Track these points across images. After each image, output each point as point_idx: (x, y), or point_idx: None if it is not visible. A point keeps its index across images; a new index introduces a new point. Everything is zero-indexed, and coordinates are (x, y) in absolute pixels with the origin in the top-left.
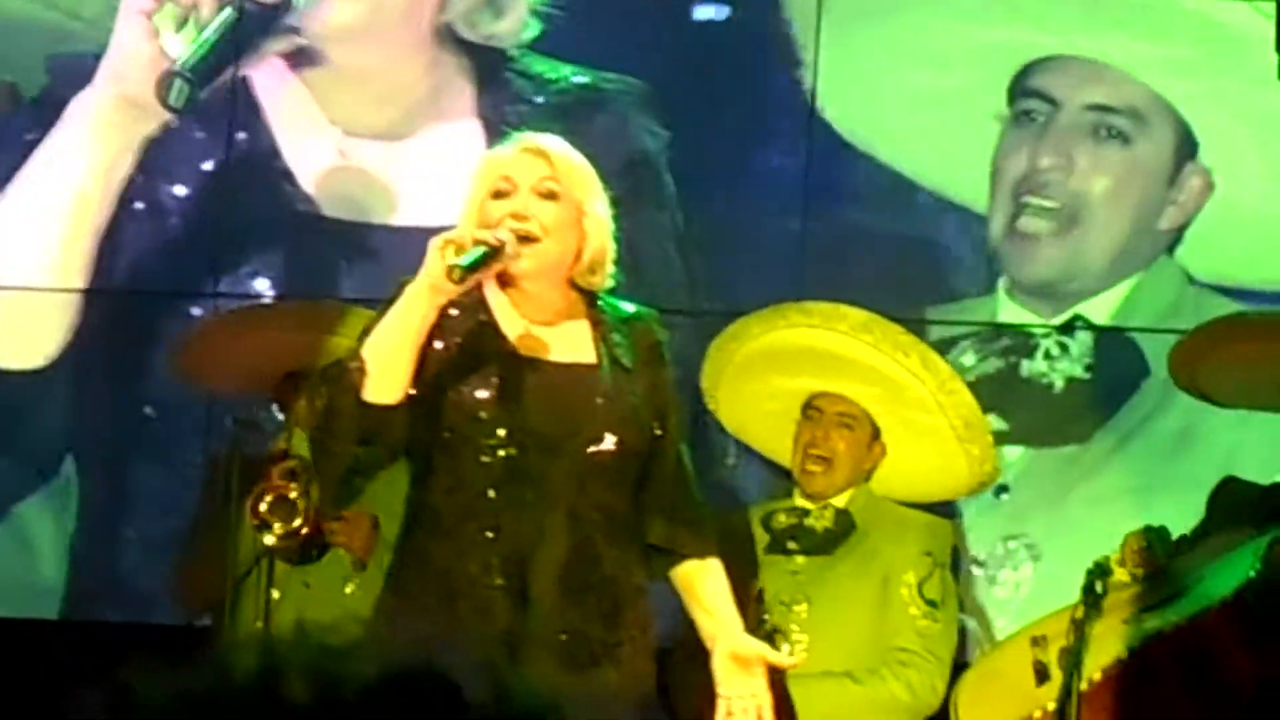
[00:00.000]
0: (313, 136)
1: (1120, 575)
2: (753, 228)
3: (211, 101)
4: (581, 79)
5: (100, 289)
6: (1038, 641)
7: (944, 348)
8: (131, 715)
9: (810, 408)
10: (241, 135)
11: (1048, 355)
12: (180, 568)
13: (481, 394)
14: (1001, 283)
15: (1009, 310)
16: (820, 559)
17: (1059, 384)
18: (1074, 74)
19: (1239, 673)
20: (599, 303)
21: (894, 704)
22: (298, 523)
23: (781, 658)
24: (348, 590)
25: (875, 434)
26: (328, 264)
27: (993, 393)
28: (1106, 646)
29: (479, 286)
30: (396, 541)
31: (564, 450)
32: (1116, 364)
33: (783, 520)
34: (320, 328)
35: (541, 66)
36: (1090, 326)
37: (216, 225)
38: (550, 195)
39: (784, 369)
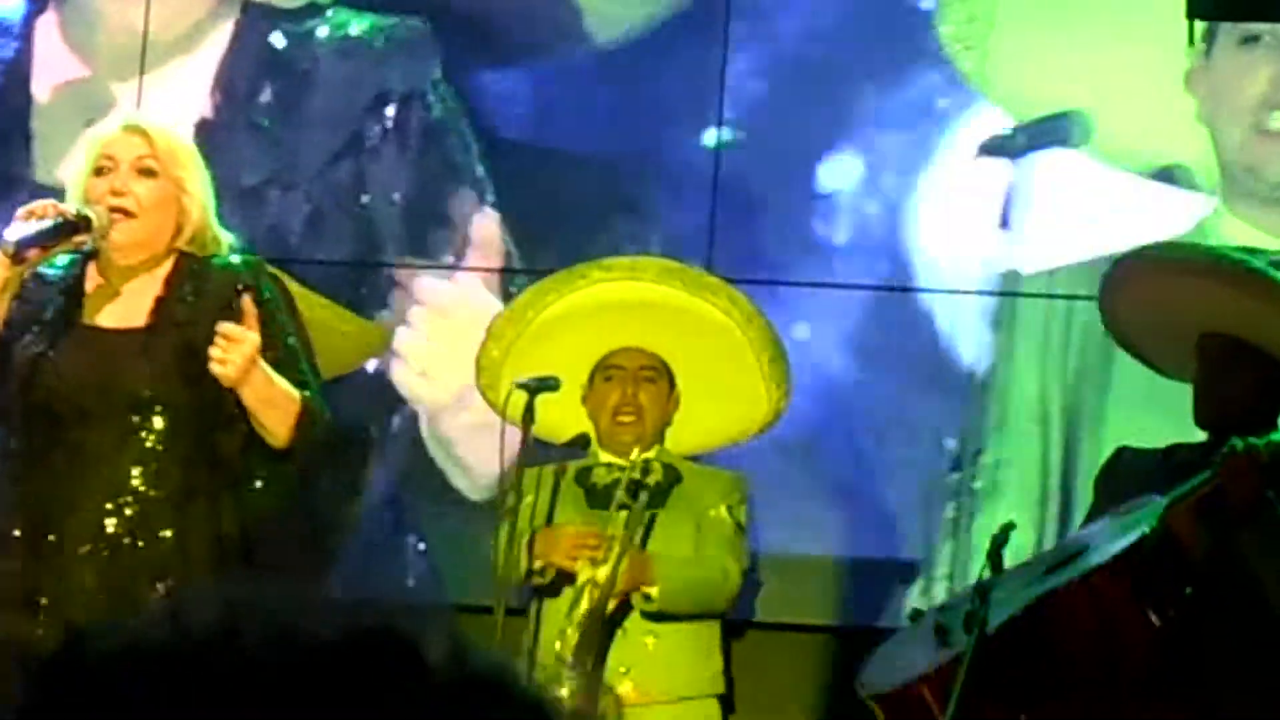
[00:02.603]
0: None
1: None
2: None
3: None
4: (362, 27)
5: None
6: (944, 608)
7: None
8: (82, 668)
9: (610, 368)
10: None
11: None
12: None
13: (34, 361)
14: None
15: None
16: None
17: None
18: None
19: (1131, 630)
20: (200, 262)
21: (723, 576)
22: None
23: None
24: None
25: (672, 386)
26: None
27: None
28: (1006, 605)
29: (82, 255)
30: None
31: (98, 417)
32: None
33: (604, 476)
34: None
35: (323, 24)
36: None
37: None
38: (148, 173)
39: (584, 330)
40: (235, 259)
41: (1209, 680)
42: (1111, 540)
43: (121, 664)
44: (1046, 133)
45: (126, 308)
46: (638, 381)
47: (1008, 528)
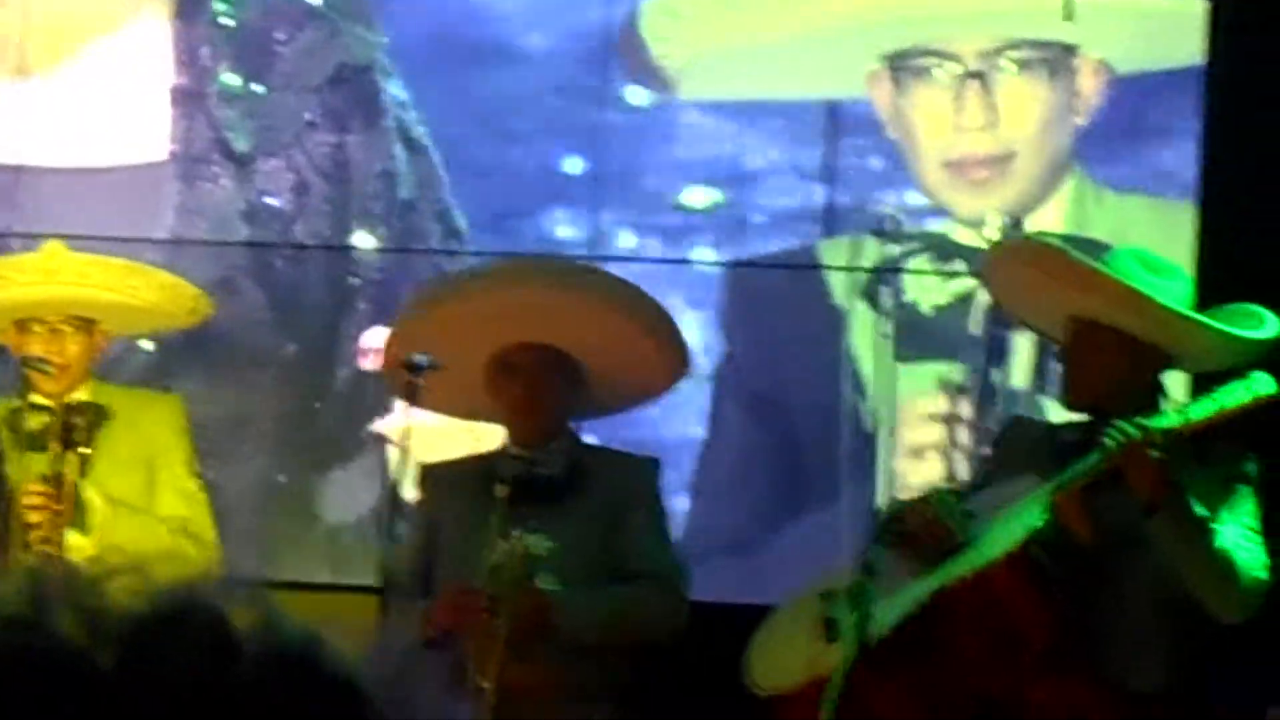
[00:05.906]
0: None
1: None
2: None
3: None
4: None
5: None
6: (827, 596)
7: None
8: None
9: (507, 363)
10: None
11: None
12: None
13: None
14: None
15: None
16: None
17: None
18: None
19: (1030, 624)
20: None
21: (647, 604)
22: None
23: None
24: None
25: (574, 372)
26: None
27: None
28: (897, 601)
29: None
30: None
31: None
32: None
33: (510, 467)
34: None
35: None
36: None
37: None
38: None
39: (478, 326)
40: None
41: (1107, 653)
42: (995, 530)
43: None
44: None
45: None
46: (534, 375)
47: (896, 510)
